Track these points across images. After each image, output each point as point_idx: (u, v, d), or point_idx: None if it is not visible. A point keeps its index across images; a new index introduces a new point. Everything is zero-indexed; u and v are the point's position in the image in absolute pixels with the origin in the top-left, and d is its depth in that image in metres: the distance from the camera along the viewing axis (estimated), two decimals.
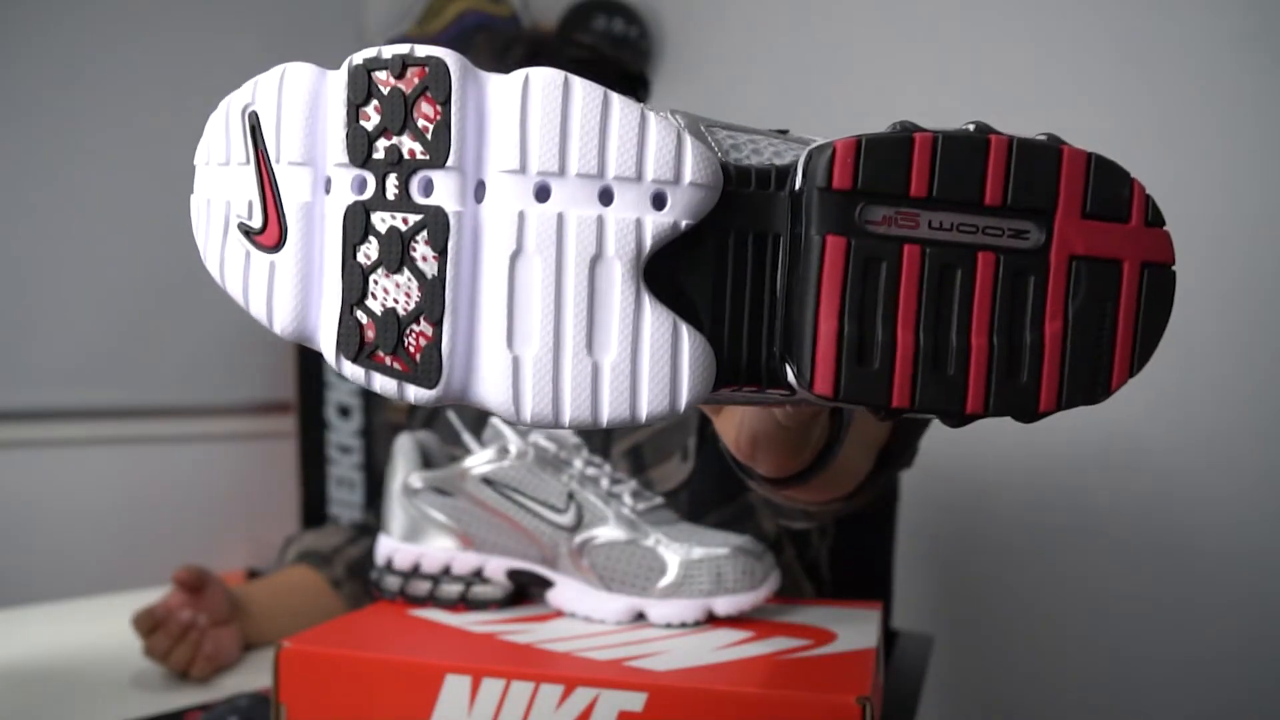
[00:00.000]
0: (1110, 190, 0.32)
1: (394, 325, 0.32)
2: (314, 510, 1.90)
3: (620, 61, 0.89)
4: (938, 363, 0.32)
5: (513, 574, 0.60)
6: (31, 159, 1.64)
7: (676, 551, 0.57)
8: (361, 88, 0.33)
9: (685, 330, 0.32)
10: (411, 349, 0.32)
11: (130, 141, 1.74)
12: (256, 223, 0.34)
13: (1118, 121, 1.37)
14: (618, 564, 0.57)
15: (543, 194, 0.32)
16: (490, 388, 0.32)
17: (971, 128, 0.32)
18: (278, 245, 0.34)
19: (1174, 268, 0.33)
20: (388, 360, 0.33)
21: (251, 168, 0.34)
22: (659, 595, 0.56)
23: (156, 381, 1.78)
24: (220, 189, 0.35)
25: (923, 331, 0.32)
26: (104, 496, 1.72)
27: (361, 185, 0.33)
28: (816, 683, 0.46)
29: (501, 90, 0.32)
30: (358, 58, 0.33)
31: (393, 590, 0.63)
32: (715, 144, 0.34)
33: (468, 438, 0.65)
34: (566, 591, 0.59)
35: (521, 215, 0.32)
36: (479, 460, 0.61)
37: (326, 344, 0.33)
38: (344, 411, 1.93)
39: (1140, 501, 1.34)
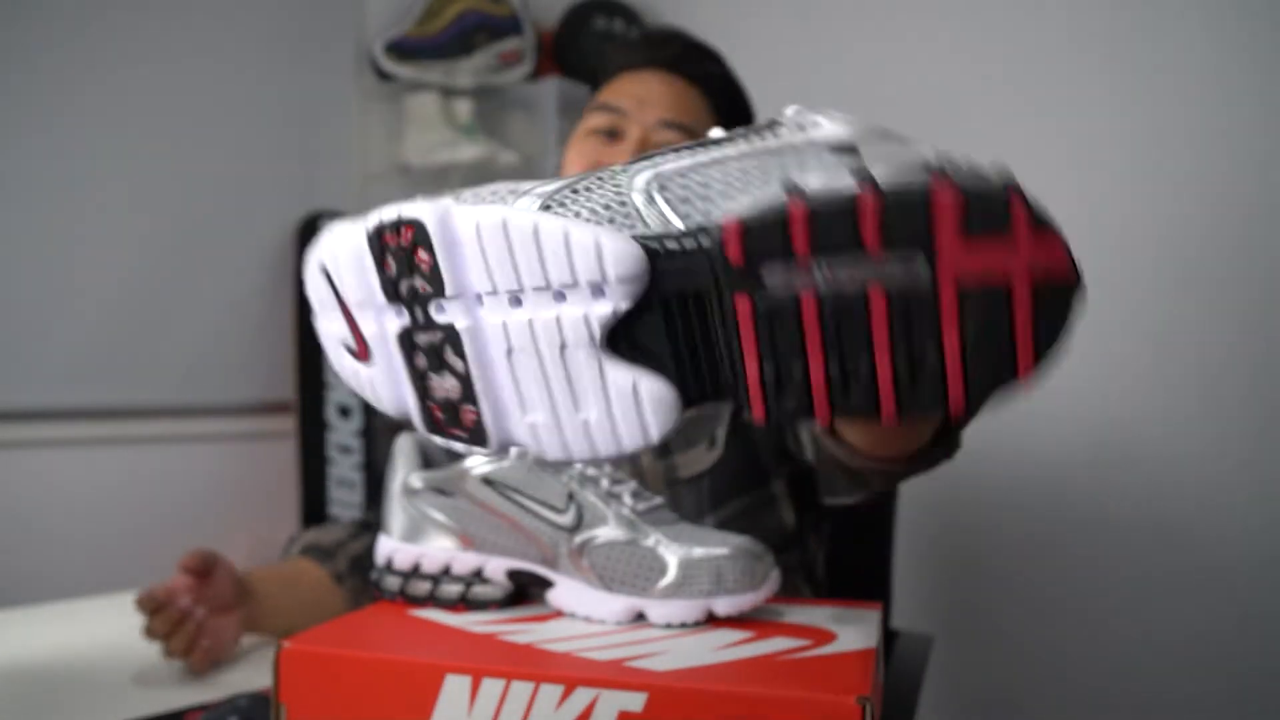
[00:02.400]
0: (986, 206, 0.34)
1: (452, 409, 0.45)
2: (314, 510, 1.90)
3: (744, 99, 0.95)
4: (847, 385, 0.37)
5: (512, 574, 0.60)
6: (31, 158, 1.64)
7: (676, 552, 0.57)
8: (377, 247, 0.43)
9: (644, 382, 0.40)
10: (467, 423, 0.44)
11: (130, 140, 1.74)
12: (354, 346, 0.47)
13: (1113, 120, 1.37)
14: (617, 564, 0.57)
15: (515, 303, 0.41)
16: (523, 442, 0.44)
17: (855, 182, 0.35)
18: (369, 362, 0.46)
19: (1071, 263, 0.35)
20: (455, 432, 0.45)
21: (338, 311, 0.46)
22: (659, 595, 0.56)
23: (156, 381, 1.78)
24: (331, 327, 0.48)
25: (831, 362, 0.37)
26: (104, 496, 1.72)
27: (401, 315, 0.44)
28: (816, 683, 0.46)
29: (466, 232, 0.41)
30: (371, 223, 0.43)
31: (393, 590, 0.62)
32: (666, 202, 0.40)
33: None
34: (566, 591, 0.59)
35: (505, 323, 0.42)
36: (479, 460, 0.61)
37: (417, 425, 0.46)
38: (344, 412, 1.93)
39: (1135, 497, 1.35)
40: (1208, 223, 1.28)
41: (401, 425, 0.86)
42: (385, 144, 2.07)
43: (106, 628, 0.94)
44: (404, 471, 0.64)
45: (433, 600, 0.61)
